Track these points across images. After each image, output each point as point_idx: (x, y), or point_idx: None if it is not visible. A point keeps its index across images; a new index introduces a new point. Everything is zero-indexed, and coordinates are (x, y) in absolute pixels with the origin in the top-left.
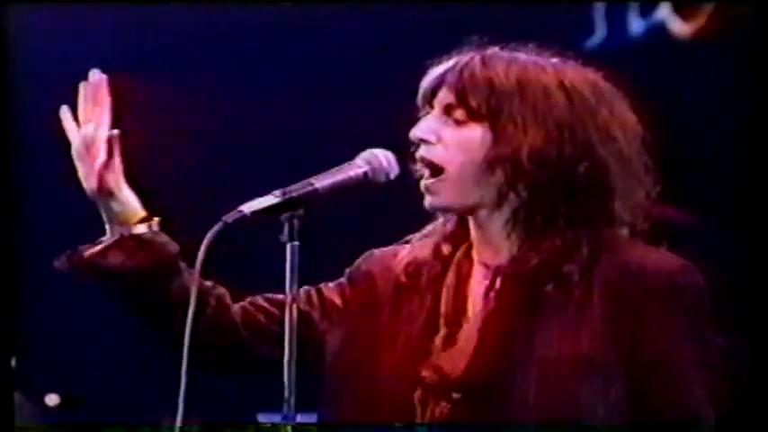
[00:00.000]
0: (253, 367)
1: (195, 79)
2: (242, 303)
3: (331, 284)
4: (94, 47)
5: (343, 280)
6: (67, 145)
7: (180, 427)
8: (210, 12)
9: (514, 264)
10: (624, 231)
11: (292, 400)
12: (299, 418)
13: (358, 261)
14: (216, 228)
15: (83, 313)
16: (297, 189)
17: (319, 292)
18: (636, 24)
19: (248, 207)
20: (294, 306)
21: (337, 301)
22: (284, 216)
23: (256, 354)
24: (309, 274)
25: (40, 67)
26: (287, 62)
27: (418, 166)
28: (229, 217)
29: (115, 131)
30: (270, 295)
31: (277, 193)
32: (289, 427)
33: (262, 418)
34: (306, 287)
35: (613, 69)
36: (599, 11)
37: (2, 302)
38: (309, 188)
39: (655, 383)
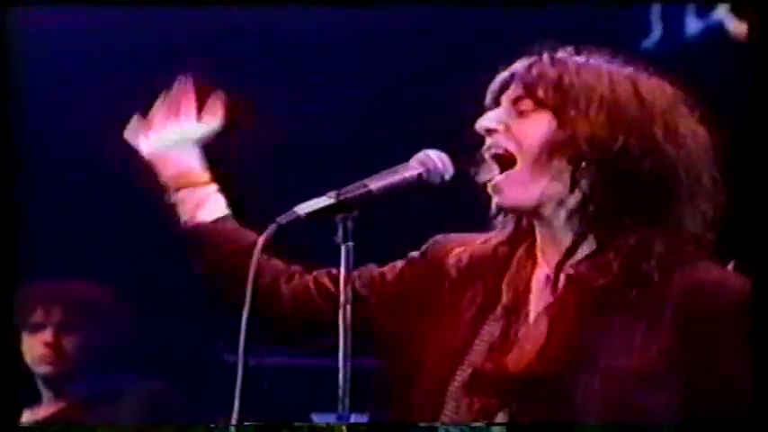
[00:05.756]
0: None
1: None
2: (301, 281)
3: (395, 265)
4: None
5: (402, 264)
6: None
7: (234, 426)
8: (231, 10)
9: (593, 269)
10: (691, 240)
11: (347, 401)
12: (353, 419)
13: (424, 246)
14: (270, 229)
15: (138, 307)
16: (351, 190)
17: (382, 276)
18: (693, 25)
19: (302, 208)
20: (348, 307)
21: (393, 286)
22: (339, 217)
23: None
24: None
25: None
26: (345, 62)
27: (484, 166)
28: (283, 218)
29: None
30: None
31: (331, 194)
32: (343, 428)
33: (316, 418)
34: (368, 268)
35: (670, 70)
36: (655, 11)
37: None
38: (364, 189)
39: (719, 401)
